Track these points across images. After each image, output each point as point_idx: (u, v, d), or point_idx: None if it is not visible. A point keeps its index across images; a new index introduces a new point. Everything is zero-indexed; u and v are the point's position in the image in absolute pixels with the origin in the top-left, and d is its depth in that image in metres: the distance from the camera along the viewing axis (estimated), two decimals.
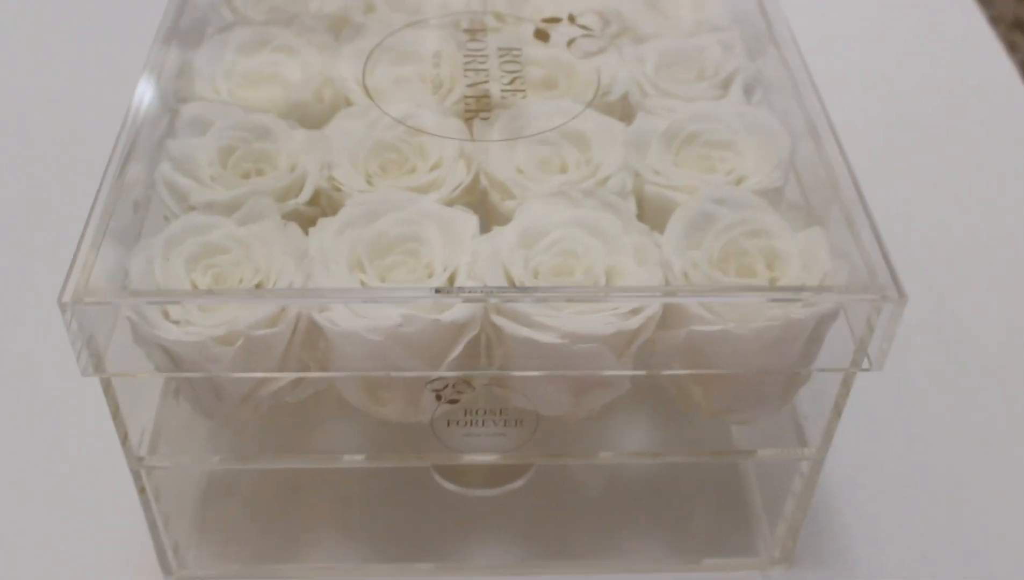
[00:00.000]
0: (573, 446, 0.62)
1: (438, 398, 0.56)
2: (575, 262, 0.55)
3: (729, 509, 0.69)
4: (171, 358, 0.53)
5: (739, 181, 0.60)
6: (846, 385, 0.57)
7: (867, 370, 0.55)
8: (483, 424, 0.59)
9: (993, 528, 0.69)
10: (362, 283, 0.54)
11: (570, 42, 0.69)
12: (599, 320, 0.52)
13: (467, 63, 0.67)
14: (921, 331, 0.80)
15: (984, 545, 0.68)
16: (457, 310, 0.52)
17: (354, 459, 0.60)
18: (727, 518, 0.68)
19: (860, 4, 1.18)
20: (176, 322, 0.53)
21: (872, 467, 0.71)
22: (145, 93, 0.63)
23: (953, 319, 0.82)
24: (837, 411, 0.58)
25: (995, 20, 1.13)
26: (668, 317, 0.54)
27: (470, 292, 0.52)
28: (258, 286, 0.54)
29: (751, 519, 0.68)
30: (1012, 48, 1.58)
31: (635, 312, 0.53)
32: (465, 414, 0.58)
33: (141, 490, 0.60)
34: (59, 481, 0.69)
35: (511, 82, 0.66)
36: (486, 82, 0.66)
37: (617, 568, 0.66)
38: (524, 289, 0.52)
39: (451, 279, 0.55)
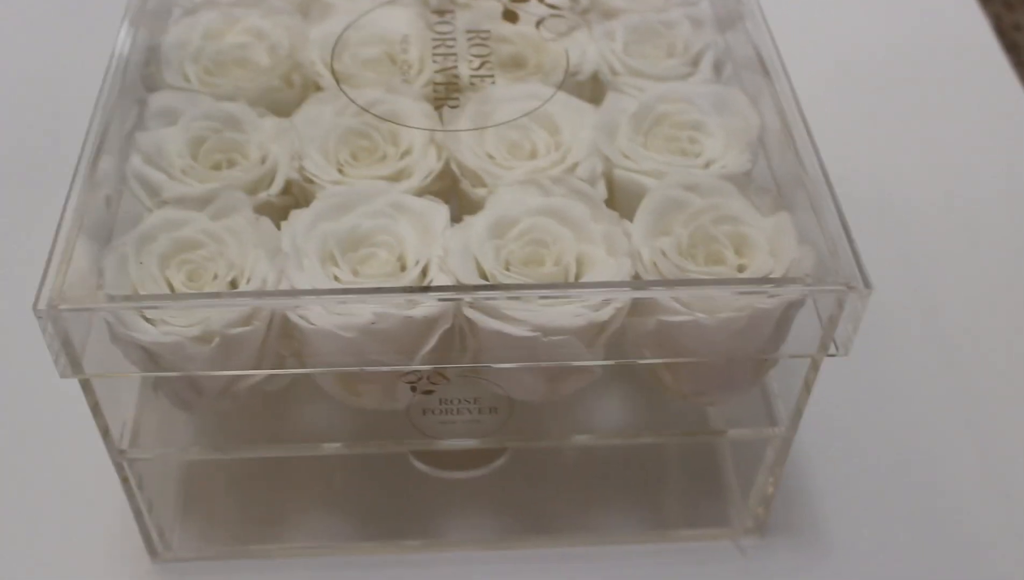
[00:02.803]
0: (548, 429, 0.63)
1: (413, 389, 0.57)
2: (545, 252, 0.56)
3: (703, 483, 0.70)
4: (149, 356, 0.54)
5: (708, 164, 0.61)
6: (815, 368, 0.58)
7: (834, 355, 0.56)
8: (458, 412, 0.60)
9: (960, 498, 0.70)
10: (335, 278, 0.55)
11: (539, 22, 0.69)
12: (569, 312, 0.53)
13: (435, 46, 0.67)
14: (893, 311, 0.81)
15: (951, 514, 0.69)
16: (429, 306, 0.53)
17: (332, 447, 0.61)
18: (701, 491, 0.70)
19: None
20: (152, 322, 0.53)
21: (842, 439, 0.73)
22: (113, 82, 0.63)
23: (925, 299, 0.83)
24: (807, 390, 0.59)
25: None
26: (638, 306, 0.54)
27: (441, 290, 0.53)
28: (232, 282, 0.55)
29: (724, 492, 0.70)
30: (999, 21, 1.57)
31: (605, 303, 0.53)
32: (440, 403, 0.59)
33: (124, 480, 0.61)
34: (45, 474, 0.70)
35: (480, 66, 0.66)
36: (455, 67, 0.66)
37: (593, 541, 0.67)
38: (494, 287, 0.53)
39: (424, 272, 0.55)
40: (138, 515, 0.63)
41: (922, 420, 0.75)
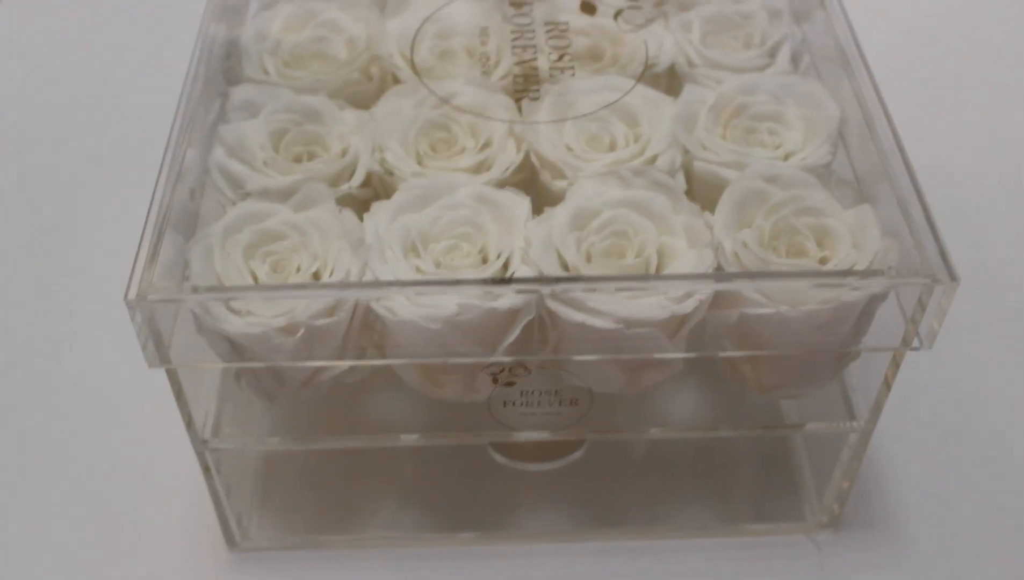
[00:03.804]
0: (625, 421, 0.63)
1: (495, 381, 0.58)
2: (627, 243, 0.56)
3: (777, 477, 0.70)
4: (233, 347, 0.55)
5: (787, 156, 0.61)
6: (896, 362, 0.58)
7: (917, 349, 0.55)
8: (539, 404, 0.60)
9: None
10: (417, 269, 0.55)
11: (616, 14, 0.69)
12: (652, 304, 0.53)
13: (514, 39, 0.67)
14: (973, 306, 0.80)
15: None
16: (512, 298, 0.53)
17: (411, 438, 0.62)
18: (774, 486, 0.70)
19: None
20: (238, 313, 0.54)
21: (919, 433, 0.72)
22: (196, 76, 0.63)
23: (1003, 291, 0.82)
24: (887, 386, 0.59)
25: None
26: (720, 298, 0.54)
27: (524, 283, 0.53)
28: (315, 274, 0.55)
29: (799, 487, 0.69)
30: None
31: (687, 296, 0.53)
32: (521, 395, 0.59)
33: (206, 469, 0.62)
34: (126, 463, 0.71)
35: (559, 58, 0.66)
36: (534, 59, 0.66)
37: (666, 534, 0.67)
38: (576, 279, 0.53)
39: (505, 265, 0.55)
40: (218, 504, 0.64)
41: (1002, 415, 0.74)
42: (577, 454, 0.65)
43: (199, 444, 0.60)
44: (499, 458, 0.64)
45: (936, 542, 0.67)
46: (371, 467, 0.70)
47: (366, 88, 0.66)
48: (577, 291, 0.52)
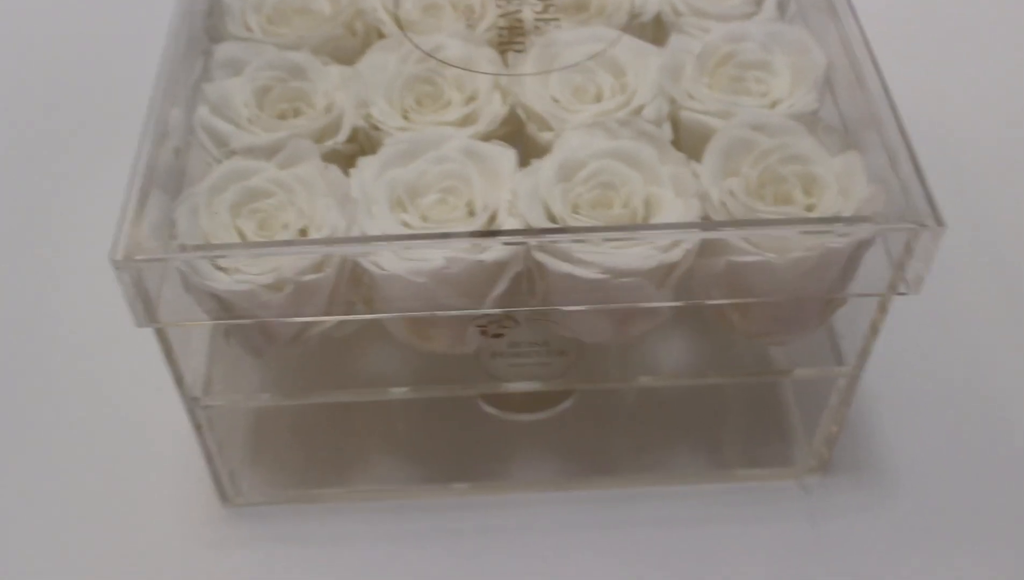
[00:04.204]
0: (614, 371, 0.63)
1: (483, 333, 0.58)
2: (613, 194, 0.56)
3: (766, 423, 0.71)
4: (221, 304, 0.55)
5: (774, 104, 0.60)
6: (883, 307, 0.58)
7: (904, 294, 0.55)
8: (528, 355, 0.60)
9: None
10: (404, 224, 0.55)
11: None
12: (639, 254, 0.53)
13: None
14: (959, 250, 0.80)
15: (1017, 452, 0.69)
16: (499, 250, 0.53)
17: (400, 391, 0.62)
18: (764, 431, 0.70)
19: None
20: (225, 270, 0.54)
21: (905, 377, 0.73)
22: (179, 34, 0.63)
23: (989, 235, 0.82)
24: (873, 331, 0.59)
25: None
26: (707, 247, 0.54)
27: (511, 234, 0.53)
28: (302, 230, 0.55)
29: (787, 432, 0.70)
30: None
31: (674, 245, 0.53)
32: (509, 346, 0.59)
33: (198, 427, 0.62)
34: (117, 422, 0.71)
35: (544, 10, 0.66)
36: (518, 11, 0.65)
37: (657, 481, 0.68)
38: (563, 230, 0.53)
39: (492, 218, 0.56)
40: (210, 461, 0.64)
41: (988, 359, 0.74)
42: (567, 404, 0.65)
43: (190, 402, 0.60)
44: (489, 409, 0.65)
45: (923, 485, 0.68)
46: (362, 420, 0.70)
47: (350, 43, 0.65)
48: (564, 242, 0.53)
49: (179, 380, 0.59)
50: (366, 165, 0.57)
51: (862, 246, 0.54)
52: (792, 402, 0.71)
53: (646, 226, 0.55)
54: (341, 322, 0.58)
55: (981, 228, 0.82)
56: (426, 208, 0.56)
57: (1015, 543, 0.66)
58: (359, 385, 0.66)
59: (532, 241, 0.53)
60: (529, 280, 0.55)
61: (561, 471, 0.69)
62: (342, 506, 0.67)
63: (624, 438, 0.70)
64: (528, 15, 0.65)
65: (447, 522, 0.67)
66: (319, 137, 0.60)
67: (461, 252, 0.53)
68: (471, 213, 0.56)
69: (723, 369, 0.65)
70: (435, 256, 0.53)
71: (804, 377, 0.64)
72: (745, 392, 0.71)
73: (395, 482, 0.68)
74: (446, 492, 0.68)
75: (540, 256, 0.53)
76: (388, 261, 0.53)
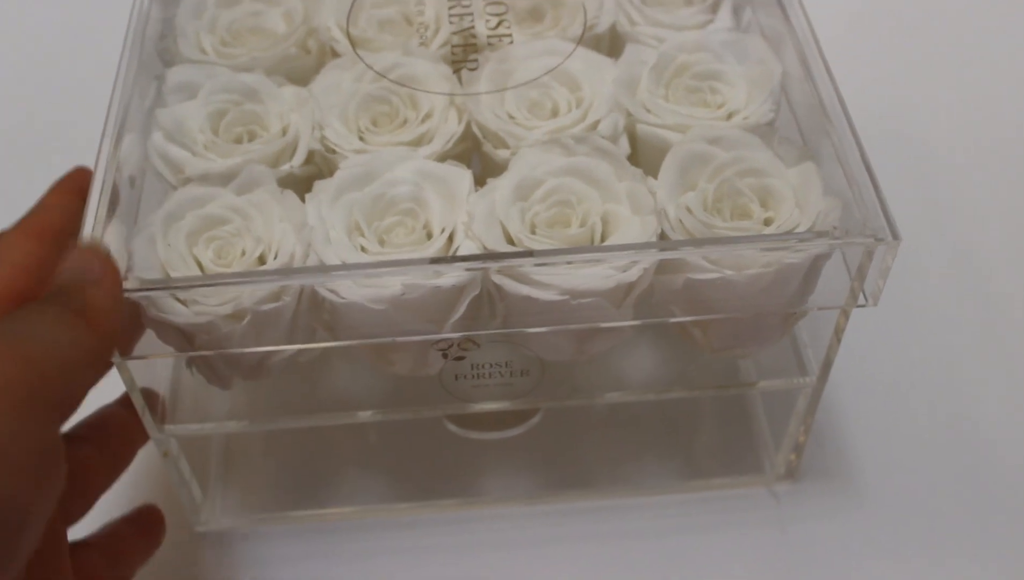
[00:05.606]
0: (579, 388, 0.63)
1: (444, 356, 0.58)
2: (571, 212, 0.56)
3: (735, 433, 0.71)
4: (183, 335, 0.54)
5: (731, 115, 0.60)
6: (844, 317, 0.58)
7: (863, 306, 0.55)
8: (490, 376, 0.60)
9: (991, 443, 0.71)
10: (362, 248, 0.55)
11: None
12: (597, 274, 0.53)
13: (451, 6, 0.66)
14: (924, 257, 0.81)
15: (982, 458, 0.70)
16: (457, 274, 0.53)
17: (366, 414, 0.62)
18: (733, 441, 0.70)
19: None
20: (184, 302, 0.53)
21: (872, 385, 0.73)
22: (131, 59, 0.62)
23: (952, 242, 0.82)
24: (837, 340, 0.59)
25: None
26: (665, 265, 0.54)
27: (468, 260, 0.53)
28: (260, 257, 0.55)
29: (757, 441, 0.70)
30: None
31: (632, 264, 0.53)
32: (472, 368, 0.59)
33: (165, 454, 0.62)
34: None
35: (497, 25, 0.65)
36: (472, 27, 0.65)
37: (629, 493, 0.68)
38: (520, 254, 0.53)
39: (450, 239, 0.55)
40: (179, 486, 0.64)
41: (952, 365, 0.75)
42: (535, 419, 0.65)
43: (155, 431, 0.60)
44: (453, 428, 0.65)
45: (890, 489, 0.68)
46: (332, 442, 0.70)
47: (304, 62, 0.65)
48: (524, 266, 0.52)
49: (143, 410, 0.59)
50: (321, 189, 0.57)
51: (820, 259, 0.54)
52: (760, 411, 0.71)
53: (603, 248, 0.54)
54: (305, 348, 0.58)
55: (945, 235, 0.82)
56: (383, 232, 0.56)
57: (979, 546, 0.66)
58: (328, 408, 0.66)
59: (492, 265, 0.53)
60: (489, 303, 0.55)
61: (533, 485, 0.69)
62: (314, 527, 0.67)
63: (596, 451, 0.70)
64: (482, 30, 0.65)
65: (420, 539, 0.67)
66: (275, 161, 0.59)
67: (419, 278, 0.53)
68: (429, 236, 0.56)
69: (689, 382, 0.65)
70: (393, 282, 0.53)
71: (769, 389, 0.64)
72: (714, 402, 0.72)
73: (367, 502, 0.68)
74: (419, 510, 0.68)
75: (498, 279, 0.53)
76: (346, 289, 0.53)
